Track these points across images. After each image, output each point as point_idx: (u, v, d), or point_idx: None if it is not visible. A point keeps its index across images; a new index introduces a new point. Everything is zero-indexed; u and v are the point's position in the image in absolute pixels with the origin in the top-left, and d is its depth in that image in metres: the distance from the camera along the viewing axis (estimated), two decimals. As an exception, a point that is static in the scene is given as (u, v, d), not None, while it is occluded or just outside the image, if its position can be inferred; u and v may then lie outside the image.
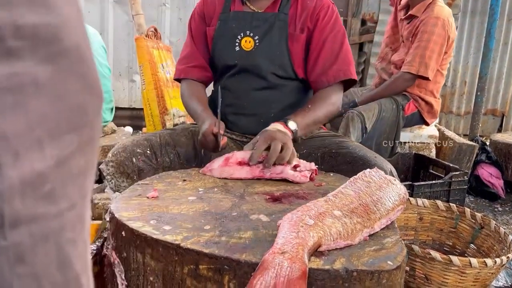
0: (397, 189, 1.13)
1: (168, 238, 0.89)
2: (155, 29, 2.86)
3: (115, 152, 1.51)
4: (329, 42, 1.58)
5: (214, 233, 0.94)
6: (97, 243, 1.23)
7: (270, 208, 1.13)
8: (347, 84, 1.64)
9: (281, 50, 1.58)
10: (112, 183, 1.52)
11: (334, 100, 1.59)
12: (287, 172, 1.33)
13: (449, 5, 3.90)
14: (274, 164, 1.33)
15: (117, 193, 1.41)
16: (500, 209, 2.90)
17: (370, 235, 0.98)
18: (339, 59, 1.58)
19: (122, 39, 4.58)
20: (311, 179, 1.35)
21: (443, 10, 2.57)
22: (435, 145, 2.79)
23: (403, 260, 0.90)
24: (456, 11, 4.12)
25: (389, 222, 1.06)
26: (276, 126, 1.41)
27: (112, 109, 3.17)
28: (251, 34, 1.59)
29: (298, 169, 1.35)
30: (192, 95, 1.66)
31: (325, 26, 1.58)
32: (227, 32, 1.63)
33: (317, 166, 1.39)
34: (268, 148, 1.33)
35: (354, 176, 1.13)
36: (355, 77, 1.62)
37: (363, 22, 4.61)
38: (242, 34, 1.60)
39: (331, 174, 1.45)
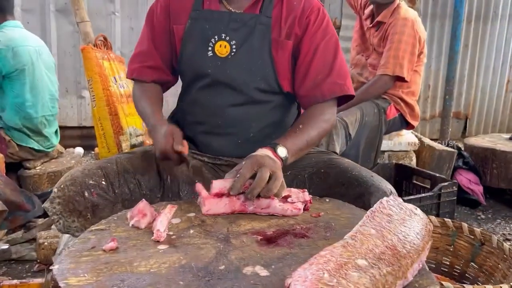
0: (421, 220, 0.92)
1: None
2: (105, 38, 2.55)
3: (62, 186, 1.22)
4: (321, 51, 1.35)
5: (201, 305, 0.68)
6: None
7: (266, 254, 0.89)
8: (341, 100, 1.42)
9: (263, 59, 1.34)
10: (60, 223, 1.22)
11: (328, 117, 1.36)
12: (275, 207, 1.09)
13: (410, 9, 3.88)
14: (259, 197, 1.08)
15: (63, 242, 1.11)
16: (483, 216, 2.81)
17: (404, 288, 0.76)
18: (333, 71, 1.36)
19: (68, 51, 4.23)
20: (306, 209, 1.12)
21: (409, 12, 2.57)
22: (415, 152, 2.66)
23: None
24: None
25: (421, 265, 0.83)
26: (264, 151, 1.17)
27: (57, 131, 2.82)
28: (227, 38, 1.34)
29: (289, 199, 1.11)
30: (143, 96, 1.41)
31: (316, 32, 1.35)
32: (198, 33, 1.37)
33: (305, 190, 1.16)
34: (253, 177, 1.08)
35: (371, 209, 0.90)
36: (353, 92, 1.40)
37: (325, 28, 4.50)
38: (216, 37, 1.35)
39: (327, 200, 1.23)
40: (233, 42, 1.34)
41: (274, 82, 1.37)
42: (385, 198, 0.94)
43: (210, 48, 1.34)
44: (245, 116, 1.37)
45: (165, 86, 1.50)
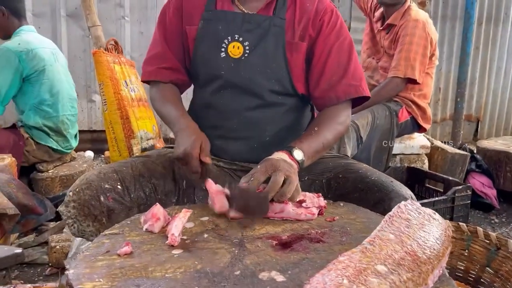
0: (440, 225, 0.90)
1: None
2: (116, 42, 2.56)
3: (77, 190, 1.20)
4: (335, 52, 1.34)
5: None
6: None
7: (282, 259, 0.88)
8: (356, 101, 1.40)
9: (278, 62, 1.33)
10: (74, 227, 1.21)
11: (343, 119, 1.35)
12: (289, 211, 1.08)
13: (420, 10, 3.85)
14: (272, 201, 1.07)
15: (75, 246, 1.10)
16: (496, 220, 2.77)
17: (425, 295, 0.74)
18: (348, 72, 1.34)
19: (78, 56, 4.25)
20: (320, 214, 1.11)
21: (420, 14, 2.55)
22: (426, 155, 2.63)
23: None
24: (426, 17, 4.08)
25: (441, 272, 0.82)
26: (280, 155, 1.16)
27: (76, 134, 2.85)
28: (240, 39, 1.33)
29: (303, 204, 1.09)
30: (165, 98, 1.39)
31: (330, 34, 1.34)
32: (211, 34, 1.36)
33: (320, 194, 1.15)
34: (268, 180, 1.06)
35: (389, 214, 0.89)
36: (368, 94, 1.39)
37: (334, 31, 4.47)
38: (229, 38, 1.33)
39: (341, 204, 1.21)
40: (247, 43, 1.32)
41: (288, 84, 1.35)
42: (403, 203, 0.92)
43: (223, 49, 1.33)
44: (260, 120, 1.35)
45: (182, 87, 1.49)
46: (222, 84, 1.35)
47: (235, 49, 1.32)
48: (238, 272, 0.82)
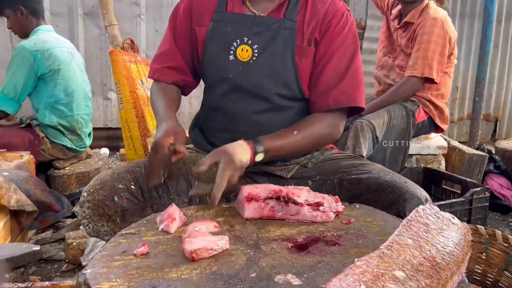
0: (459, 230, 0.88)
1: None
2: (132, 41, 2.58)
3: (91, 190, 1.22)
4: (336, 57, 1.30)
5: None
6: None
7: (297, 262, 0.87)
8: (352, 111, 1.37)
9: (286, 65, 1.30)
10: (89, 227, 1.23)
11: (327, 130, 1.33)
12: (304, 214, 1.07)
13: (438, 8, 3.79)
14: (288, 203, 1.07)
15: (91, 243, 1.11)
16: (515, 223, 2.71)
17: (445, 303, 0.73)
18: (345, 79, 1.30)
19: (94, 54, 4.29)
20: (336, 216, 1.10)
21: (439, 12, 2.49)
22: (443, 156, 2.58)
23: None
24: (444, 14, 4.01)
25: (460, 278, 0.80)
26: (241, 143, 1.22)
27: (90, 133, 2.88)
28: (249, 42, 1.31)
29: (321, 208, 1.08)
30: (159, 93, 1.40)
31: (335, 38, 1.30)
32: (220, 36, 1.34)
33: (338, 198, 1.13)
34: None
35: (407, 218, 0.87)
36: (362, 104, 1.34)
37: (350, 29, 4.43)
38: (238, 41, 1.32)
39: (357, 206, 1.20)
40: (255, 46, 1.31)
41: (296, 88, 1.33)
42: (421, 207, 0.91)
43: (231, 52, 1.32)
44: (269, 123, 1.33)
45: (187, 88, 1.49)
46: (230, 87, 1.34)
47: (244, 52, 1.31)
48: (253, 275, 0.82)
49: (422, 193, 1.22)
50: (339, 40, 1.30)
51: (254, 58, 1.31)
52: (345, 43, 1.31)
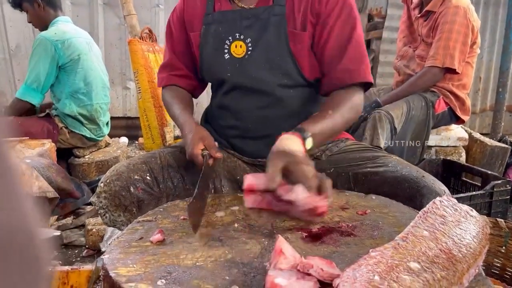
0: (478, 223, 0.87)
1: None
2: (150, 31, 2.60)
3: (108, 181, 1.24)
4: (334, 35, 1.25)
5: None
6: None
7: (312, 252, 0.87)
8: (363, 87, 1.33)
9: (282, 54, 1.26)
10: (106, 217, 1.25)
11: (352, 105, 1.26)
12: (296, 212, 1.01)
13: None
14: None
15: (110, 230, 1.13)
16: (536, 217, 2.65)
17: (460, 295, 0.72)
18: (346, 56, 1.25)
19: (114, 43, 4.33)
20: (319, 215, 1.01)
21: (461, 0, 2.42)
22: (464, 148, 2.54)
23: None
24: (468, 3, 3.91)
25: (477, 270, 0.79)
26: (294, 141, 1.07)
27: (108, 122, 2.93)
28: (242, 37, 1.29)
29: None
30: (173, 99, 1.40)
31: (329, 15, 1.24)
32: (213, 37, 1.33)
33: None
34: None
35: (423, 209, 0.86)
36: (370, 79, 1.28)
37: (370, 18, 4.35)
38: (230, 38, 1.29)
39: (373, 197, 1.18)
40: (248, 40, 1.28)
41: (297, 75, 1.29)
42: (438, 198, 0.89)
43: (226, 51, 1.30)
44: (274, 117, 1.31)
45: (195, 91, 1.49)
46: (230, 86, 1.33)
47: (238, 48, 1.29)
48: (268, 264, 0.82)
49: (441, 187, 1.19)
50: (334, 16, 1.25)
51: (249, 53, 1.28)
52: (341, 16, 1.25)
